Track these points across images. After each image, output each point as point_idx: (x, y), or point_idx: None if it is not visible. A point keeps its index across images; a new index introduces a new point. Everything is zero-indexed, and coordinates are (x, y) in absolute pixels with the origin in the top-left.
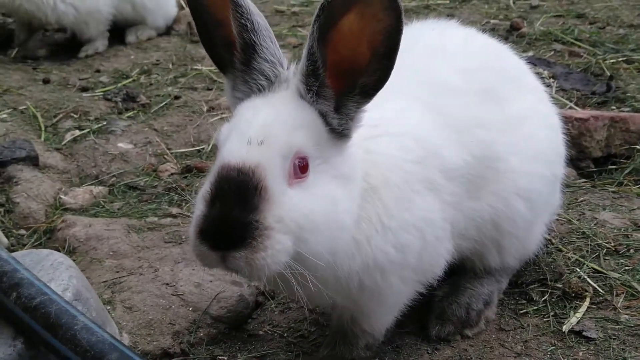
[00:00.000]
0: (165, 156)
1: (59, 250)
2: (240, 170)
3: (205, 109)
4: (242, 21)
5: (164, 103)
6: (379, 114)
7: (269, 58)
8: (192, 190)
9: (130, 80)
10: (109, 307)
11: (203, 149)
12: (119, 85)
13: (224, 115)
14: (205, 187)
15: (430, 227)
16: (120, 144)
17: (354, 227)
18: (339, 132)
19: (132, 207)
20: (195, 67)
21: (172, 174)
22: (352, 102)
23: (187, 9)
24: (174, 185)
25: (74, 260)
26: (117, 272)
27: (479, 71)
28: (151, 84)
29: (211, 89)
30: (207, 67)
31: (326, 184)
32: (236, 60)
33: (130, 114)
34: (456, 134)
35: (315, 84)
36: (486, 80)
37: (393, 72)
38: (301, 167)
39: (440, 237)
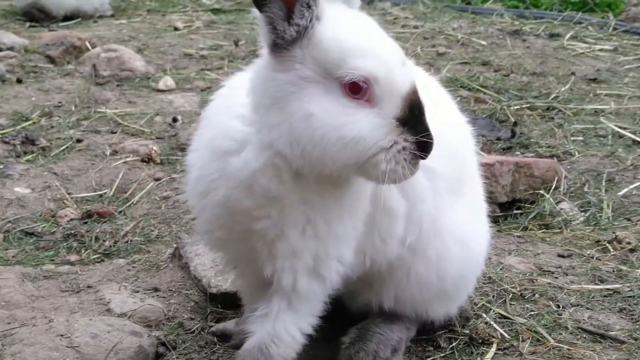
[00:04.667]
0: (65, 201)
1: None
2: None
3: (108, 152)
4: None
5: (65, 146)
6: None
7: None
8: (93, 237)
9: (30, 122)
10: None
11: (105, 193)
12: (18, 127)
13: (127, 159)
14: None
15: None
16: (17, 189)
17: None
18: None
19: (27, 254)
20: (99, 109)
21: (71, 219)
22: None
23: (92, 51)
24: (73, 231)
25: None
26: (9, 323)
27: None
28: (52, 127)
29: (115, 132)
30: (112, 109)
31: None
32: None
33: (29, 157)
34: None
35: None
36: None
37: None
38: None
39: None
